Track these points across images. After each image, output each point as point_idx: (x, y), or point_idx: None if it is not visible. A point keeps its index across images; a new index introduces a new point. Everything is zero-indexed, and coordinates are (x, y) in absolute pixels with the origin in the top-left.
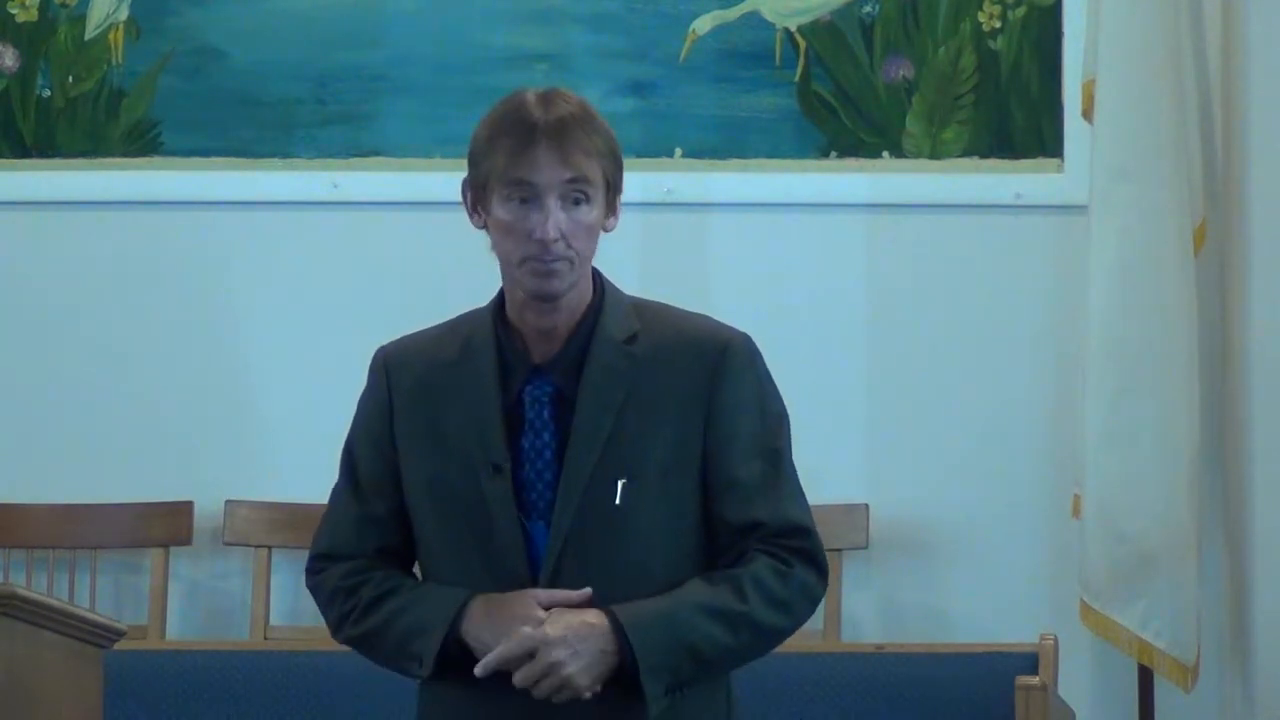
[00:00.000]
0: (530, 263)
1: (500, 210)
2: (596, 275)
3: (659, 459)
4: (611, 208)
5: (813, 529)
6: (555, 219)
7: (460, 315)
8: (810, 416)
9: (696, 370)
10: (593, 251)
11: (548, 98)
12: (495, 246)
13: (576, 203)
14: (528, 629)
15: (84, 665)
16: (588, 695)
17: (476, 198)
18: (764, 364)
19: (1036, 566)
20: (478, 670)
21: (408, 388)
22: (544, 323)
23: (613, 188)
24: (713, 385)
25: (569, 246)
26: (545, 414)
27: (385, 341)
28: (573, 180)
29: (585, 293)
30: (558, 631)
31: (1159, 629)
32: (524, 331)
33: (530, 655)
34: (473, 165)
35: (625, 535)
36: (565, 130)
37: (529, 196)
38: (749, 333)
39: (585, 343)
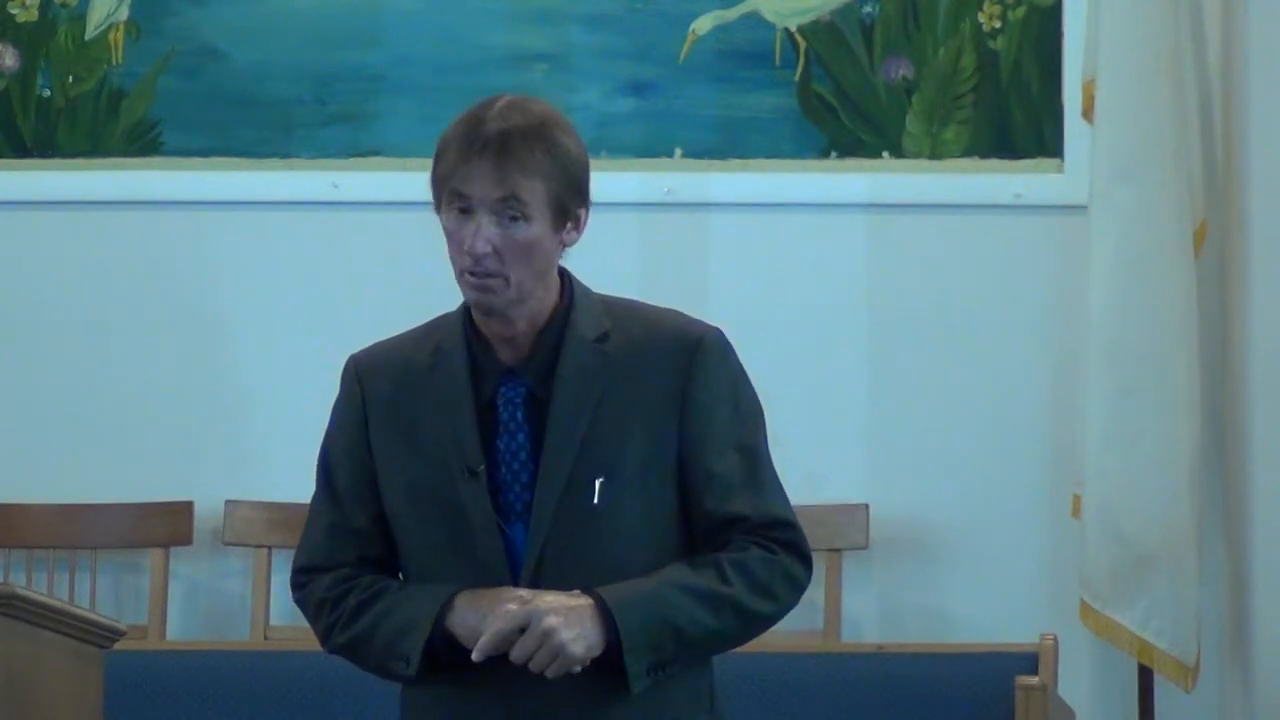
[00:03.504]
0: (466, 275)
1: (444, 217)
2: (565, 276)
3: (636, 457)
4: (572, 220)
5: (796, 522)
6: (486, 234)
7: (431, 320)
8: (810, 416)
9: (670, 366)
10: (538, 268)
11: (506, 109)
12: (448, 252)
13: (513, 219)
14: (514, 606)
15: (84, 665)
16: (578, 667)
17: (436, 198)
18: (737, 359)
19: (1036, 566)
20: (475, 654)
21: (381, 395)
22: (503, 331)
23: (562, 207)
24: (687, 381)
25: (501, 263)
26: (519, 415)
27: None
28: (504, 199)
29: (546, 299)
30: (546, 603)
31: (1160, 629)
32: (490, 337)
33: (522, 631)
34: (433, 166)
35: (604, 535)
36: (506, 146)
37: (465, 208)
38: (749, 332)
39: (556, 343)
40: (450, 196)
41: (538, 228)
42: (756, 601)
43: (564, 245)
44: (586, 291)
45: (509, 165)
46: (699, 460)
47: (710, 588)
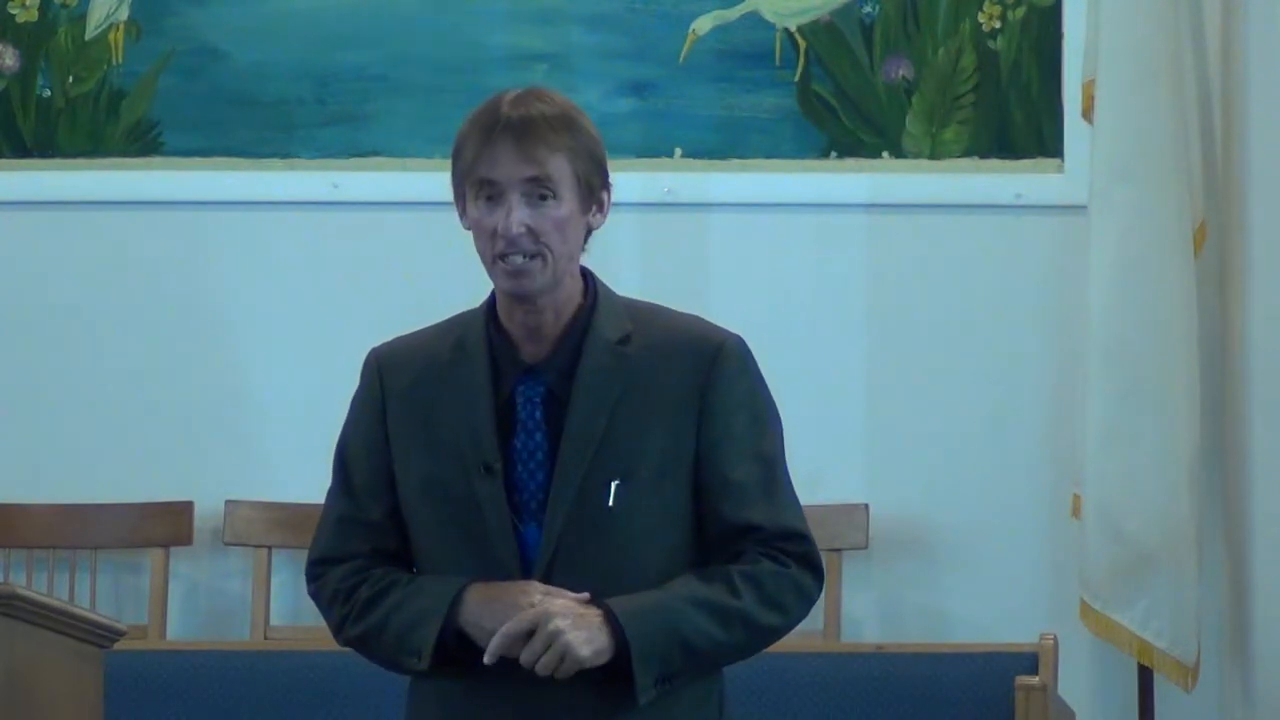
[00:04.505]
0: (500, 261)
1: (473, 210)
2: (589, 276)
3: (652, 460)
4: (597, 204)
5: (810, 535)
6: (518, 215)
7: (452, 317)
8: (810, 416)
9: (690, 371)
10: (570, 248)
11: (522, 97)
12: (476, 246)
13: (543, 198)
14: (526, 600)
15: (84, 665)
16: (589, 663)
17: (458, 197)
18: (757, 366)
19: (1036, 566)
20: (487, 659)
21: (401, 389)
22: (530, 321)
23: (588, 184)
24: (706, 386)
25: (537, 241)
26: (537, 414)
27: (381, 342)
28: (534, 178)
29: (573, 293)
30: (556, 606)
31: (1159, 629)
32: (514, 332)
33: (531, 634)
34: (452, 164)
35: (618, 537)
36: (528, 127)
37: (494, 194)
38: (749, 332)
39: (578, 343)
40: (476, 186)
41: (567, 206)
42: (766, 615)
43: (590, 229)
44: (609, 293)
45: (533, 144)
46: (716, 466)
47: (720, 601)
